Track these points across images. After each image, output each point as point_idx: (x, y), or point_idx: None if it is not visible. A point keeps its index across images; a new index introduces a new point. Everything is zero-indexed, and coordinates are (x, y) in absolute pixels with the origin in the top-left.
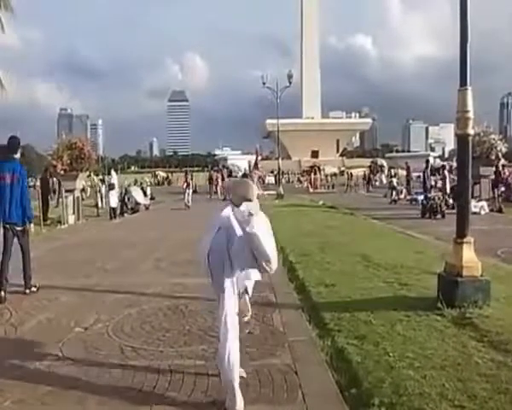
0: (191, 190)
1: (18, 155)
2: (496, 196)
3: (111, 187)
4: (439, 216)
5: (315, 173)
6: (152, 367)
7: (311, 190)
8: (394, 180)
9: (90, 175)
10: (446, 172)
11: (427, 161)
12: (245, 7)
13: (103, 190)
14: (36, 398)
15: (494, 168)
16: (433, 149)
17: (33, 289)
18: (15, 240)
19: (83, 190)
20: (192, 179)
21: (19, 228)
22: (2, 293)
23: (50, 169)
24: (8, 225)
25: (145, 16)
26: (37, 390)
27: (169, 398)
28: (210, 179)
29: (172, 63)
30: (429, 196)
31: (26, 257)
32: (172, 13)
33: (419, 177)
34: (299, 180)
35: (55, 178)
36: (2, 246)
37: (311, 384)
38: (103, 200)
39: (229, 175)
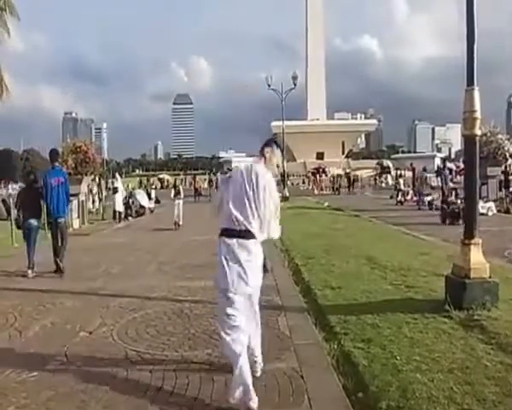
0: (182, 201)
1: (57, 163)
2: (504, 196)
3: (114, 190)
4: (460, 222)
5: (320, 175)
6: (156, 371)
7: (316, 191)
8: (401, 181)
9: (94, 179)
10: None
11: (444, 161)
12: (250, 9)
13: (95, 193)
14: (40, 403)
15: (503, 168)
16: (439, 150)
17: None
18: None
19: (91, 192)
20: (193, 183)
21: (62, 220)
22: (61, 265)
23: None
24: (54, 218)
25: (150, 20)
26: (41, 395)
27: (174, 403)
28: (210, 182)
29: (177, 66)
30: (450, 200)
31: (64, 243)
32: (177, 16)
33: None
34: (303, 182)
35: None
36: (51, 235)
37: (317, 388)
38: (95, 203)
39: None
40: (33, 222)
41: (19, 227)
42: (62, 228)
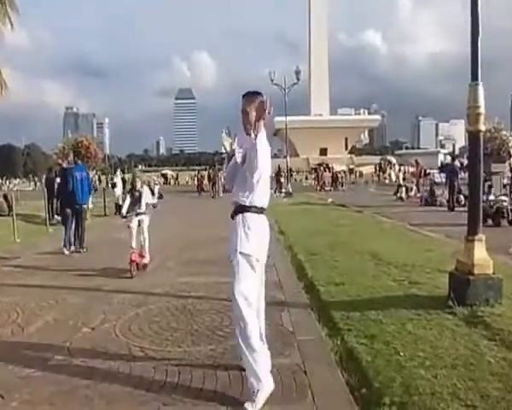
0: (147, 219)
1: (79, 161)
2: (508, 193)
3: (113, 185)
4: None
5: (323, 171)
6: (160, 367)
7: (319, 188)
8: (400, 176)
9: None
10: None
11: (453, 158)
12: (253, 4)
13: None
14: (43, 398)
15: (508, 166)
16: (443, 146)
17: (84, 249)
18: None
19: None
20: (197, 179)
21: (84, 206)
22: (83, 244)
23: (56, 168)
24: (78, 205)
25: (152, 15)
26: (44, 391)
27: (177, 398)
28: (209, 178)
29: (180, 61)
30: (492, 198)
31: (83, 226)
32: (179, 11)
33: (428, 174)
34: (307, 178)
35: None
36: (71, 218)
37: (320, 384)
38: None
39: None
40: (69, 209)
41: (57, 213)
42: (82, 212)
